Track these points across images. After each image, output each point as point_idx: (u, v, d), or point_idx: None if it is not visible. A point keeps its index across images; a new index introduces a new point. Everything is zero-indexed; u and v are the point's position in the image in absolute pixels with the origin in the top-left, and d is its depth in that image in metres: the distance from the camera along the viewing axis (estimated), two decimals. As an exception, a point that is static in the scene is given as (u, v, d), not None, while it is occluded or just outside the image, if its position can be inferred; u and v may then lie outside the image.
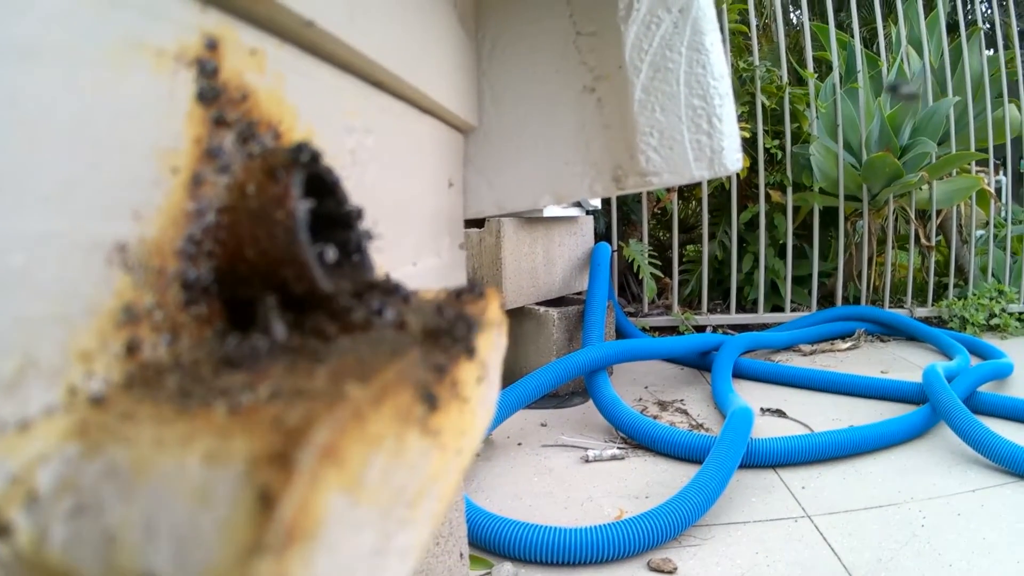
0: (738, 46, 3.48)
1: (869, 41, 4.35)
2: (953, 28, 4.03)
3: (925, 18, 3.76)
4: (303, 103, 0.38)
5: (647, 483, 1.78)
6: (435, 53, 0.62)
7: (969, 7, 4.11)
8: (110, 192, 0.24)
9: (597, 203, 2.99)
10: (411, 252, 0.58)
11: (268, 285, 0.27)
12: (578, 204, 2.88)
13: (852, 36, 3.70)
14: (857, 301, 3.70)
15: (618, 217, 3.53)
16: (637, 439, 2.01)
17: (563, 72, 0.74)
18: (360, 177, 0.45)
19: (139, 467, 0.18)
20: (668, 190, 3.44)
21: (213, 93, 0.30)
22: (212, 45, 0.30)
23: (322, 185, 0.31)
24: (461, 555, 0.91)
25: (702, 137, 0.69)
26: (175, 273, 0.27)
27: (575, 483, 1.79)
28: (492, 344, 0.35)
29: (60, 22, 0.23)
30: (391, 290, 0.30)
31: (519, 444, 2.07)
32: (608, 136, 0.73)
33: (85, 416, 0.21)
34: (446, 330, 0.28)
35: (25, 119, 0.21)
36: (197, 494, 0.17)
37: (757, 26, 3.52)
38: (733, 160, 0.70)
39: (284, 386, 0.20)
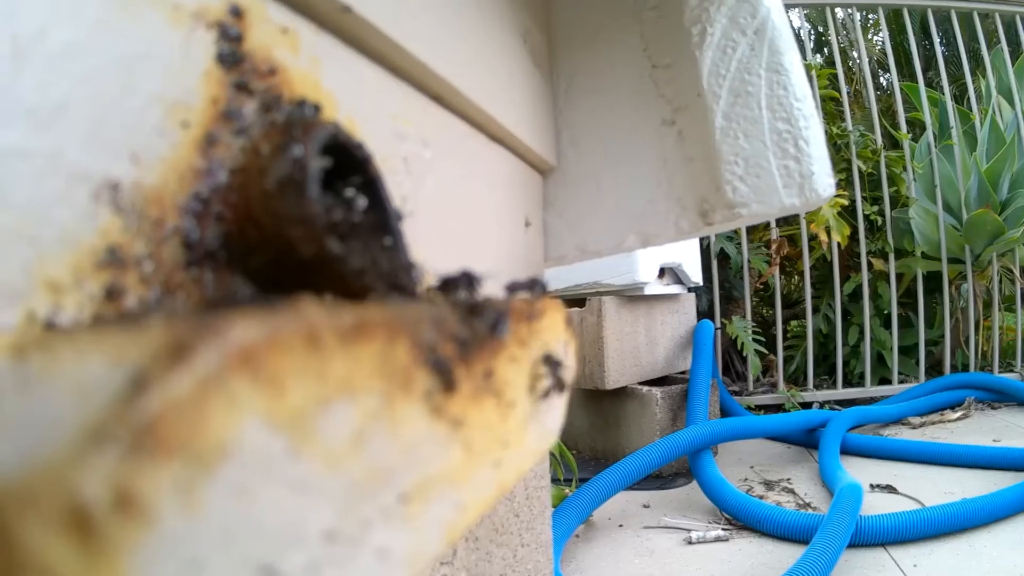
0: (830, 112, 3.41)
1: (960, 97, 4.19)
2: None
3: (1012, 65, 3.63)
4: (343, 94, 0.36)
5: (752, 565, 1.67)
6: (505, 80, 0.60)
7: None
8: (105, 128, 0.24)
9: (699, 279, 2.92)
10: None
11: (276, 248, 0.24)
12: (679, 281, 2.83)
13: (942, 93, 3.59)
14: (966, 368, 3.48)
15: (720, 294, 3.43)
16: (742, 520, 1.90)
17: (640, 107, 0.72)
18: (416, 188, 0.43)
19: (46, 370, 0.15)
20: (769, 264, 3.34)
21: (234, 58, 0.29)
22: (236, 12, 0.29)
23: (351, 163, 0.29)
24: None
25: (790, 162, 0.65)
26: (175, 228, 0.25)
27: (677, 565, 1.69)
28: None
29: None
30: (424, 271, 0.27)
31: (620, 525, 1.98)
32: (691, 169, 0.69)
33: (32, 337, 0.19)
34: (487, 318, 0.24)
35: (15, 33, 0.21)
36: (78, 390, 0.14)
37: (848, 93, 3.45)
38: (825, 185, 0.65)
39: (248, 314, 0.17)
